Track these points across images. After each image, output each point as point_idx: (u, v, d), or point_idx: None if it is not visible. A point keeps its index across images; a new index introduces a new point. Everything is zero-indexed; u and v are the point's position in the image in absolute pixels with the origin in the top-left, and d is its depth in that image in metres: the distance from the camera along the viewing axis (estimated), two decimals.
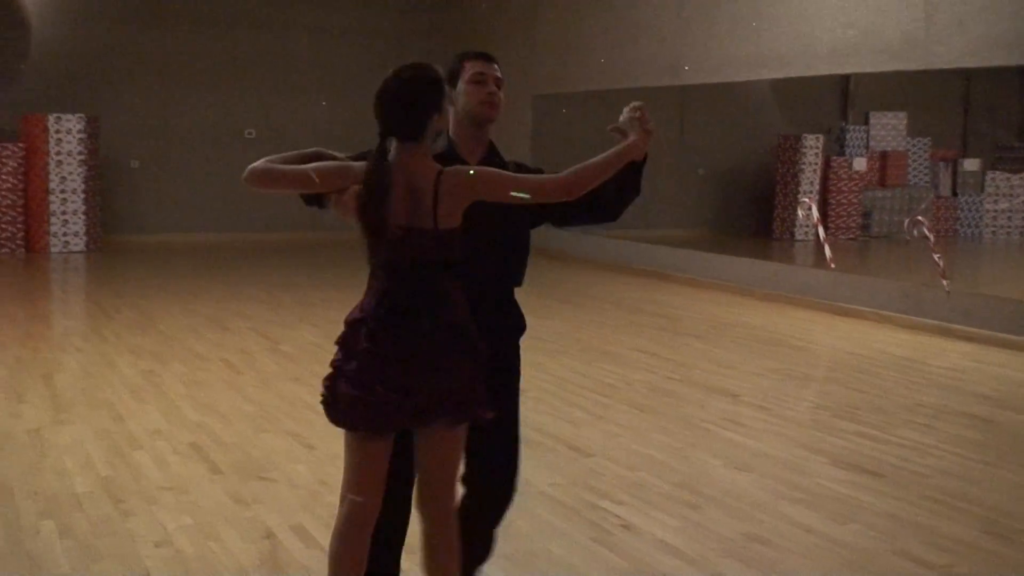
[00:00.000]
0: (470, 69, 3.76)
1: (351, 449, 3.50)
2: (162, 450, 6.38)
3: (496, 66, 3.80)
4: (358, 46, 19.84)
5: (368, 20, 19.94)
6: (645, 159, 3.68)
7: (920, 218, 13.06)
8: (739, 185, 20.01)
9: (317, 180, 3.40)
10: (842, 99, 20.17)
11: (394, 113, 3.40)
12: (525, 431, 4.02)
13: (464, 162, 3.67)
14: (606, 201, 3.75)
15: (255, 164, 3.40)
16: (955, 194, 20.02)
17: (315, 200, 3.59)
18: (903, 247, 17.10)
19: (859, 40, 12.24)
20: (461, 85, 3.75)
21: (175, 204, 18.83)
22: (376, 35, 20.00)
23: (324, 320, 10.74)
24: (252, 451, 6.39)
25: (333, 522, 5.09)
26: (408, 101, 3.40)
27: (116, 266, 15.54)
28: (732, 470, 6.29)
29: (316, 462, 6.17)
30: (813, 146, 18.79)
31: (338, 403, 3.47)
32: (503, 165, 3.72)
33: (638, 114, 3.63)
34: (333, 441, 6.57)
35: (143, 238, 18.29)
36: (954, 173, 20.06)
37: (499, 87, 3.78)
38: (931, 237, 12.25)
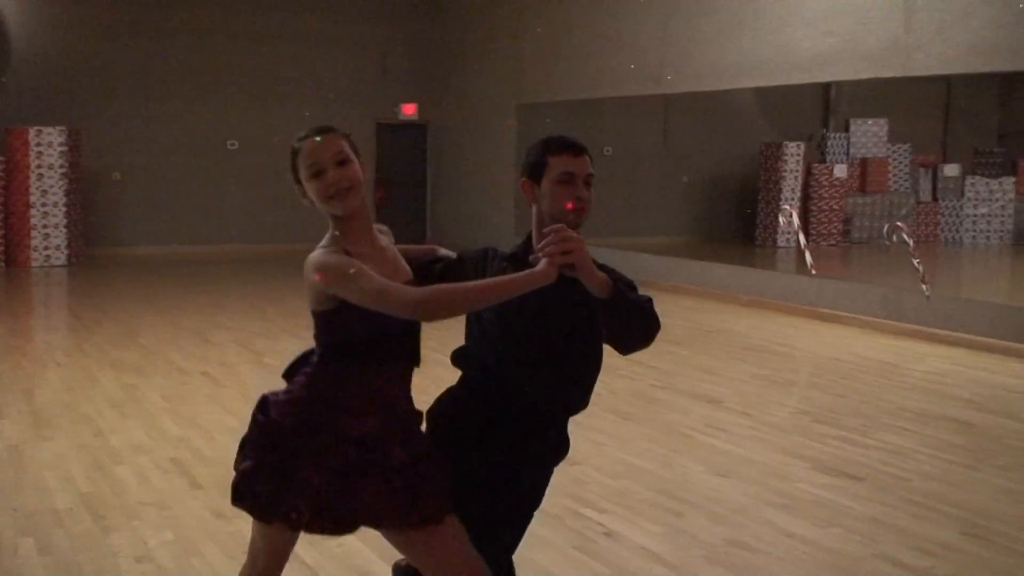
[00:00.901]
0: (557, 167, 3.23)
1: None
2: (143, 465, 6.36)
3: (587, 158, 3.26)
4: (342, 55, 19.86)
5: (352, 29, 19.96)
6: (613, 296, 3.04)
7: (899, 223, 13.13)
8: (722, 192, 20.08)
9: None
10: (823, 106, 20.28)
11: None
12: None
13: (529, 264, 3.17)
14: (612, 337, 3.22)
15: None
16: (935, 199, 20.13)
17: None
18: (884, 253, 17.17)
19: (840, 48, 12.30)
20: (546, 184, 3.25)
21: (158, 216, 18.80)
22: (360, 44, 20.04)
23: (307, 331, 10.66)
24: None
25: (316, 538, 5.10)
26: None
27: (98, 279, 15.49)
28: (715, 476, 6.30)
29: None
30: (795, 153, 18.87)
31: None
32: None
33: (550, 239, 3.00)
34: None
35: (125, 251, 18.26)
36: (934, 178, 20.18)
37: (589, 184, 3.26)
38: (910, 242, 12.30)
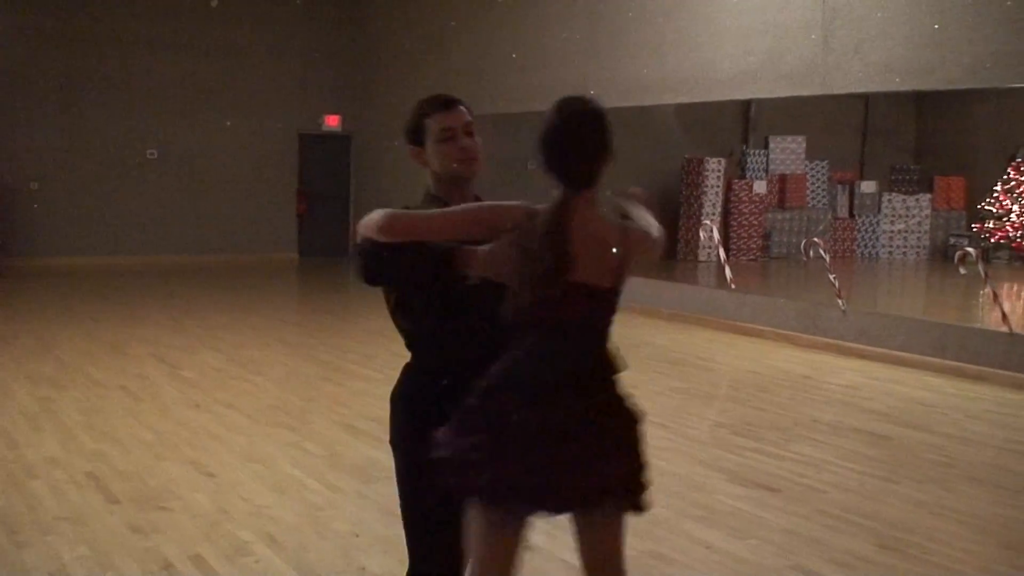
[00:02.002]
0: (434, 125, 3.25)
1: (484, 537, 3.03)
2: (58, 479, 6.25)
3: (463, 108, 3.29)
4: (264, 66, 19.71)
5: (274, 40, 19.82)
6: None
7: (816, 239, 13.34)
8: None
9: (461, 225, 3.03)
10: (743, 123, 20.55)
11: (566, 157, 3.09)
12: None
13: None
14: None
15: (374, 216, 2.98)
16: (852, 215, 20.49)
17: (432, 272, 3.04)
18: (802, 268, 17.45)
19: (759, 66, 12.48)
20: (429, 146, 3.26)
21: (76, 227, 18.49)
22: (283, 55, 19.91)
23: (227, 344, 10.62)
24: (150, 480, 6.29)
25: (233, 553, 5.07)
26: (577, 142, 3.11)
27: (13, 290, 15.19)
28: None
29: (216, 490, 6.09)
30: (715, 169, 19.08)
31: (479, 475, 2.96)
32: None
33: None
34: (235, 469, 6.51)
35: (42, 261, 17.92)
36: (851, 195, 20.54)
37: (471, 134, 3.27)
38: (827, 258, 12.51)
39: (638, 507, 3.11)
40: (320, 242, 20.64)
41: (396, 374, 3.34)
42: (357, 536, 5.31)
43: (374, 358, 10.17)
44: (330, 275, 18.89)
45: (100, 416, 7.82)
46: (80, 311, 13.14)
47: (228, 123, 19.45)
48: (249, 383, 9.01)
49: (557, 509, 3.04)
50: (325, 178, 20.75)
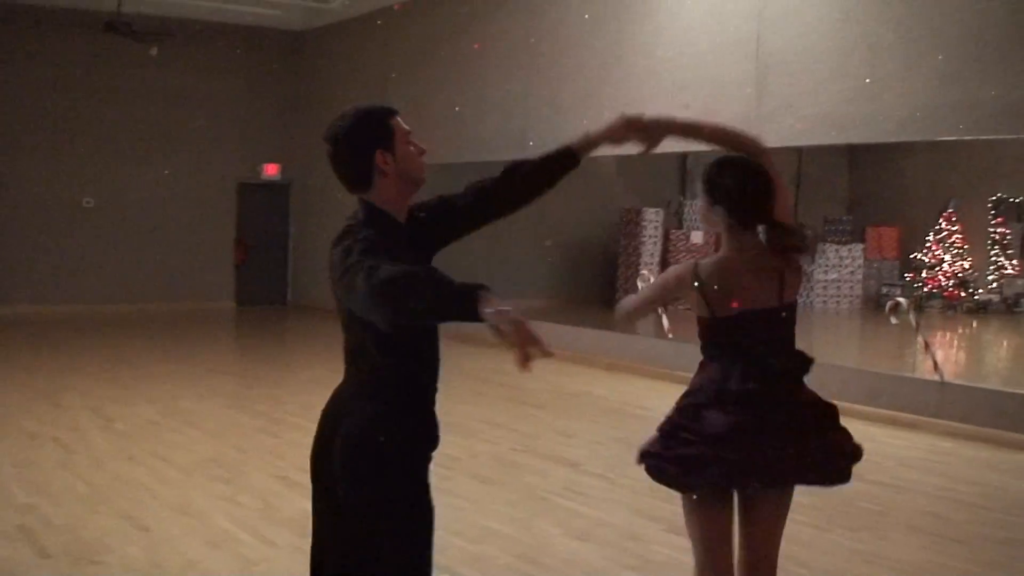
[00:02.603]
0: (400, 128, 3.18)
1: (709, 519, 3.81)
2: None
3: None
4: (202, 114, 19.65)
5: (213, 88, 19.78)
6: None
7: None
8: (584, 256, 20.39)
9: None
10: (681, 175, 20.81)
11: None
12: None
13: (397, 224, 3.23)
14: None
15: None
16: None
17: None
18: None
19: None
20: (400, 148, 3.16)
21: (9, 275, 18.23)
22: (222, 103, 19.87)
23: (163, 395, 10.51)
24: (83, 533, 6.20)
25: None
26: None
27: None
28: (572, 539, 6.36)
29: (150, 544, 6.01)
30: (653, 219, 19.28)
31: (697, 468, 3.73)
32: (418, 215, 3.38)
33: None
34: (169, 522, 6.43)
35: None
36: None
37: None
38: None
39: (842, 478, 3.81)
40: (258, 291, 20.54)
41: None
42: None
43: (312, 408, 10.04)
44: (268, 324, 18.77)
45: (33, 468, 7.70)
46: (13, 361, 12.94)
47: (166, 171, 19.35)
48: (183, 435, 8.91)
49: (764, 483, 3.73)
50: (264, 227, 20.69)
